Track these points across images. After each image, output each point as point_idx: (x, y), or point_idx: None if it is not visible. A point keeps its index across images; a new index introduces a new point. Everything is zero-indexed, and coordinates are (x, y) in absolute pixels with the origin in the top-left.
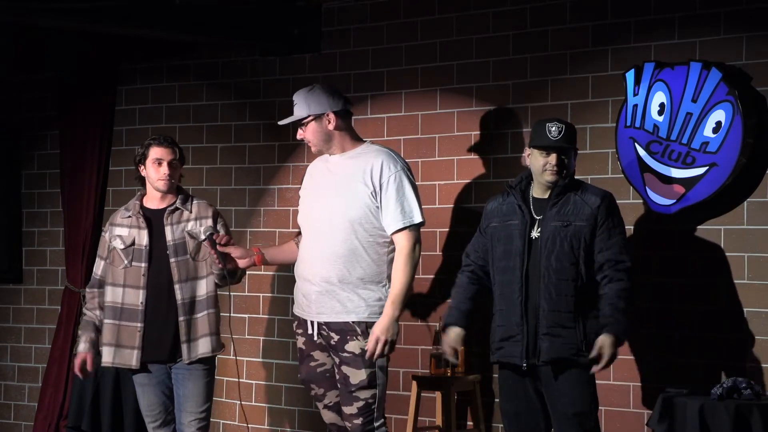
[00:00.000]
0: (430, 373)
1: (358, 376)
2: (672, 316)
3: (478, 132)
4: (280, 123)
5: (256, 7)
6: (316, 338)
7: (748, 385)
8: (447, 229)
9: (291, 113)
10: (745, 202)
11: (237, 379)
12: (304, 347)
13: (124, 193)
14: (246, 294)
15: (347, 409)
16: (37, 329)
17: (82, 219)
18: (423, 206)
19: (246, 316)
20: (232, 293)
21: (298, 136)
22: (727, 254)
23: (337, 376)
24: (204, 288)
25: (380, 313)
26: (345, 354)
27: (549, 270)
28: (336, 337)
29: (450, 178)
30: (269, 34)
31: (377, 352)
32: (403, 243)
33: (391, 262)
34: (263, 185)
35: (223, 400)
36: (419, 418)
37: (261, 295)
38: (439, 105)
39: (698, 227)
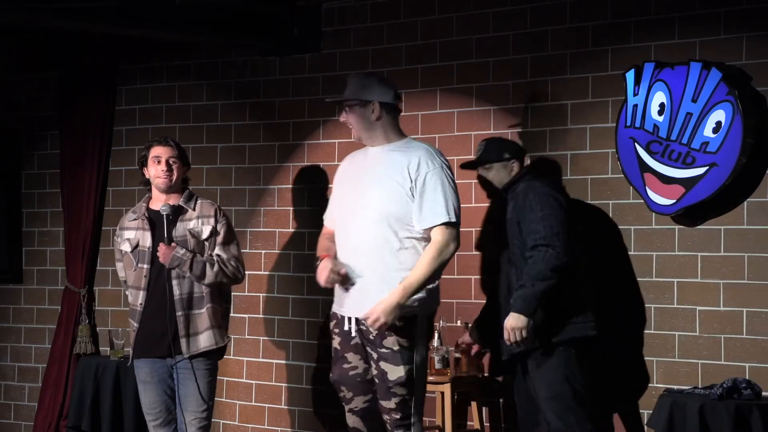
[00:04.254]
0: (431, 373)
1: (395, 372)
2: (672, 316)
3: (478, 132)
4: (327, 100)
5: (256, 7)
6: (353, 335)
7: (748, 385)
8: None
9: (291, 113)
10: (745, 202)
11: (237, 379)
12: (339, 348)
13: (124, 193)
14: (246, 294)
15: (386, 404)
16: (37, 329)
17: (82, 219)
18: None
19: (246, 316)
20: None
21: (341, 119)
22: (726, 254)
23: (375, 371)
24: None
25: (419, 307)
26: (383, 350)
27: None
28: (375, 332)
29: None
30: (269, 34)
31: (372, 327)
32: (437, 237)
33: None
34: (263, 185)
35: (223, 400)
36: None
37: (261, 295)
38: (439, 105)
39: (698, 227)
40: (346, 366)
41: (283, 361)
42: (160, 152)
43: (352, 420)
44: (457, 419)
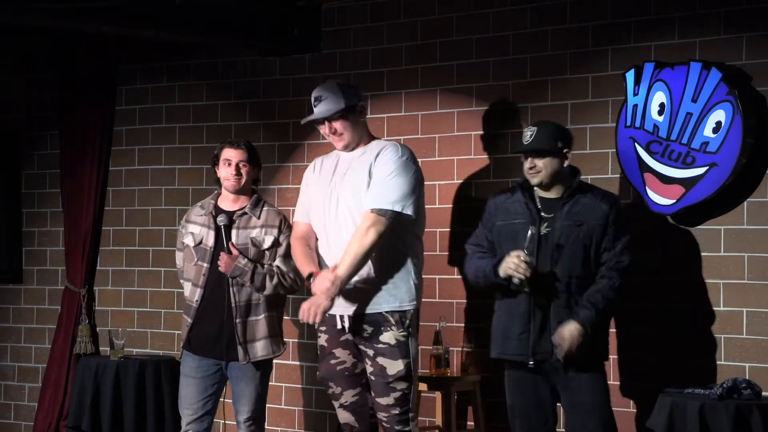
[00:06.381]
0: (430, 373)
1: (395, 366)
2: (672, 316)
3: (478, 132)
4: (302, 122)
5: (256, 7)
6: (346, 332)
7: (748, 385)
8: (447, 229)
9: (291, 113)
10: (745, 202)
11: None
12: (326, 344)
13: (124, 193)
14: None
15: (383, 400)
16: (37, 329)
17: (82, 219)
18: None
19: None
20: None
21: (325, 132)
22: (726, 254)
23: (372, 368)
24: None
25: (410, 300)
26: (380, 345)
27: (561, 268)
28: (370, 329)
29: (450, 178)
30: (269, 34)
31: (309, 315)
32: (367, 223)
33: (413, 246)
34: (263, 185)
35: (224, 400)
36: (419, 418)
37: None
38: (439, 105)
39: (698, 227)
40: (333, 361)
41: (284, 362)
42: (230, 155)
43: (343, 416)
44: (457, 419)
